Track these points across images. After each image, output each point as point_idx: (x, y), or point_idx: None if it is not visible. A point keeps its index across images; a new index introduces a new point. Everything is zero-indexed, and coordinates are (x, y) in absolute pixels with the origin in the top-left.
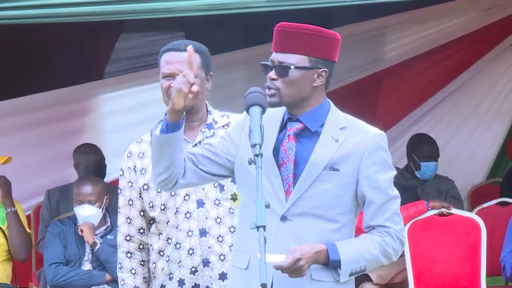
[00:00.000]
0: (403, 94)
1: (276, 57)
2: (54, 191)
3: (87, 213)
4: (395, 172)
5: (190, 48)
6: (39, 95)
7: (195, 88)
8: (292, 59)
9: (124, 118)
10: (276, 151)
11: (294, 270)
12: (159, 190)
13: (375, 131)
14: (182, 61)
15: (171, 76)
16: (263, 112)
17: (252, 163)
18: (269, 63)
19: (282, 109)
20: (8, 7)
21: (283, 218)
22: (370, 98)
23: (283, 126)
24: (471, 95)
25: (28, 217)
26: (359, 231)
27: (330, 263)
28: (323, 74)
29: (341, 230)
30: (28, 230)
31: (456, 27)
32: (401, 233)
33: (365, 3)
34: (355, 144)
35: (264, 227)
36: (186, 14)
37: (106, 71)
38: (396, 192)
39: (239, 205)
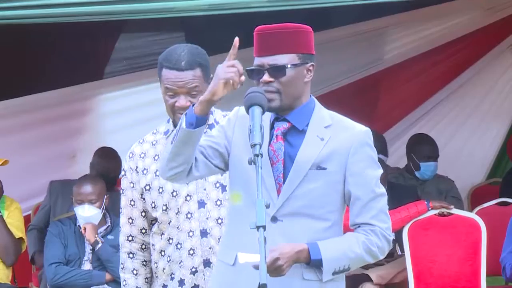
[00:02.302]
0: (403, 94)
1: (266, 60)
2: (55, 184)
3: (88, 214)
4: (381, 170)
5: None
6: (39, 95)
7: (243, 77)
8: (284, 59)
9: (124, 118)
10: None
11: (273, 269)
12: (160, 191)
13: (360, 127)
14: (185, 80)
15: (175, 95)
16: (263, 112)
17: (252, 163)
18: (258, 68)
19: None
20: (8, 7)
21: (274, 219)
22: (370, 98)
23: (271, 126)
24: (471, 95)
25: (28, 217)
26: (346, 228)
27: (312, 262)
28: (311, 68)
29: (331, 228)
30: (20, 235)
31: (456, 27)
32: (387, 231)
33: (365, 3)
34: (341, 142)
35: (264, 227)
36: (186, 14)
37: (106, 71)
38: (382, 189)
39: (230, 203)
